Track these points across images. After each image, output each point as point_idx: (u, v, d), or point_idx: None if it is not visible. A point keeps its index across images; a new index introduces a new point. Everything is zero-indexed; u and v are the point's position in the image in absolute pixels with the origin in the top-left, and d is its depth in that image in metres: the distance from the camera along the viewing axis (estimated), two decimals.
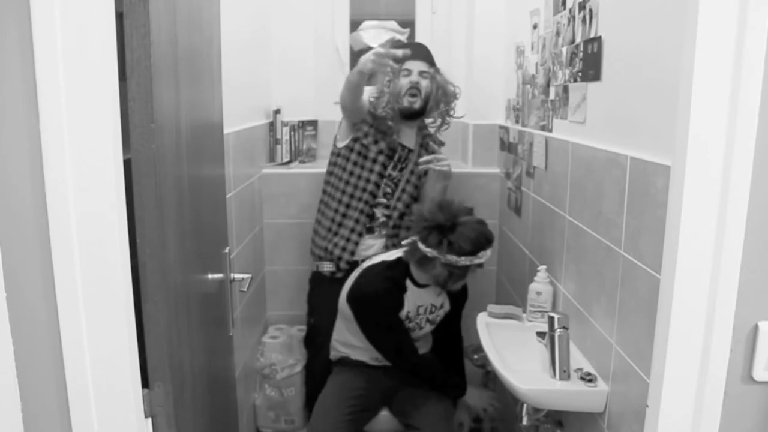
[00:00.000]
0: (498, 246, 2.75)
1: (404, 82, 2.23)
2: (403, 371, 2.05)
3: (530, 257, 2.17)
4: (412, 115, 2.26)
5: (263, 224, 2.72)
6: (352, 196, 2.27)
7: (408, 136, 2.34)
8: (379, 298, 1.93)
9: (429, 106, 2.27)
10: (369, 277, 1.98)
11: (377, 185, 2.28)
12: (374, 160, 2.27)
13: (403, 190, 2.30)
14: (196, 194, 1.27)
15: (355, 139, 2.29)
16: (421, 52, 2.27)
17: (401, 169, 2.32)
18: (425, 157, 2.25)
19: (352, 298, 1.98)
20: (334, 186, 2.32)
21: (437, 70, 2.29)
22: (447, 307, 2.09)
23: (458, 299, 2.11)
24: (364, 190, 2.27)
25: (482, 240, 1.86)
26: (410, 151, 2.33)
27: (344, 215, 2.28)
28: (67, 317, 0.91)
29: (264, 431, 2.59)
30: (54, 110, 0.86)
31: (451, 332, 2.17)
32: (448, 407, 2.07)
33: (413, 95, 2.22)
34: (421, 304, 2.00)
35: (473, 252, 1.83)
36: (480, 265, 1.89)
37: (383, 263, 2.00)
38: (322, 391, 2.07)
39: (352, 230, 2.27)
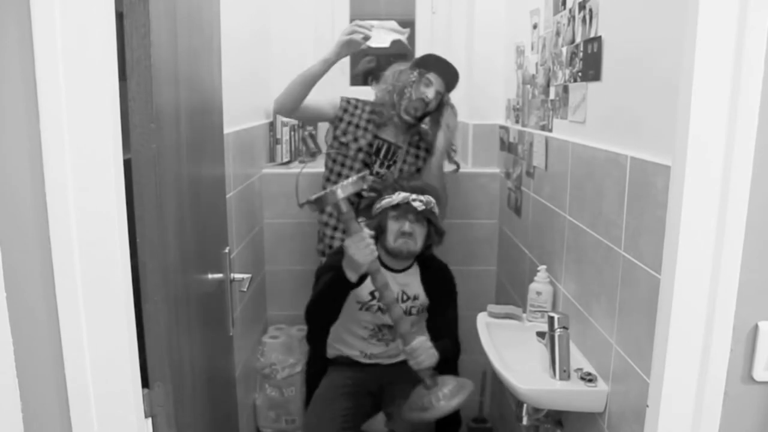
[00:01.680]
0: (498, 246, 2.75)
1: (422, 89, 2.22)
2: (390, 370, 2.07)
3: (530, 257, 2.17)
4: (404, 122, 2.27)
5: (263, 224, 2.72)
6: None
7: (396, 134, 2.32)
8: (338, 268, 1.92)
9: (424, 120, 2.29)
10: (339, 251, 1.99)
11: (359, 196, 2.25)
12: (354, 158, 2.28)
13: (396, 181, 2.29)
14: (196, 194, 1.27)
15: (335, 137, 2.31)
16: (450, 73, 2.26)
17: (389, 167, 2.31)
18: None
19: (318, 269, 2.07)
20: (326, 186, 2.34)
21: (449, 100, 2.29)
22: (424, 299, 2.07)
23: (434, 290, 2.08)
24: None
25: (422, 187, 2.00)
26: (399, 148, 2.32)
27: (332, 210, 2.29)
28: (67, 317, 0.91)
29: (264, 431, 2.59)
30: (54, 110, 0.86)
31: (444, 333, 2.07)
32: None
33: (417, 108, 2.23)
34: (392, 289, 1.99)
35: (411, 192, 1.96)
36: (432, 215, 1.98)
37: None
38: (317, 389, 2.08)
39: None
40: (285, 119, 2.77)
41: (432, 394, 1.71)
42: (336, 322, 2.13)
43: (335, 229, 2.33)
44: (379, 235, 2.00)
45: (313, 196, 1.69)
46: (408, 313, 2.04)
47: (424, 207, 1.96)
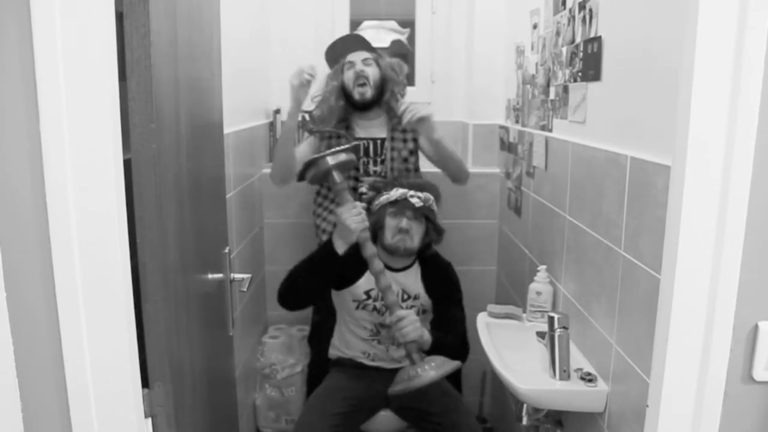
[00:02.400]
0: (498, 246, 2.76)
1: (349, 74, 2.21)
2: (393, 374, 2.05)
3: (530, 257, 2.17)
4: (368, 105, 2.23)
5: (263, 224, 2.72)
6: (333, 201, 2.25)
7: (376, 127, 2.29)
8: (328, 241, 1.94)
9: (385, 91, 2.24)
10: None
11: (355, 190, 2.24)
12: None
13: (395, 179, 2.27)
14: (196, 194, 1.27)
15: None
16: (359, 43, 2.25)
17: (383, 161, 2.27)
18: (402, 112, 2.08)
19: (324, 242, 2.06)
20: (319, 200, 2.35)
21: (380, 55, 2.26)
22: (425, 299, 2.05)
23: (436, 289, 2.06)
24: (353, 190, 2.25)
25: (421, 184, 2.02)
26: (383, 140, 2.28)
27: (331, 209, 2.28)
28: (67, 317, 0.91)
29: (264, 431, 2.59)
30: (54, 110, 0.86)
31: (449, 331, 2.04)
32: (455, 394, 2.07)
33: (362, 84, 2.20)
34: (392, 289, 1.99)
35: (409, 189, 1.98)
36: (430, 212, 1.99)
37: None
38: (315, 390, 2.08)
39: None
40: (285, 119, 2.77)
41: (418, 367, 1.72)
42: (336, 321, 2.14)
43: (330, 212, 2.29)
44: (378, 232, 2.00)
45: (306, 162, 1.76)
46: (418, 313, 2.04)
47: (422, 204, 1.96)
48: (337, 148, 1.82)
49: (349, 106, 2.25)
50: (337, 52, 2.27)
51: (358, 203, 1.84)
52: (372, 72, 2.21)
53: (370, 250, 1.82)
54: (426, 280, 2.06)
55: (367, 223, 1.84)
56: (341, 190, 1.81)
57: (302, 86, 2.05)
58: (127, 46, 0.91)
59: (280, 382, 2.52)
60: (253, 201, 2.50)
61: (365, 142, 2.27)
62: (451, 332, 1.99)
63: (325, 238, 2.32)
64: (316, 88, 2.23)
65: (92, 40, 0.85)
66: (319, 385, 2.09)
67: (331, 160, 1.75)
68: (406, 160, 2.28)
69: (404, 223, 1.96)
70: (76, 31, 0.85)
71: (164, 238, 1.01)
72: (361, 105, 2.23)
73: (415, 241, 1.99)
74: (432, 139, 2.18)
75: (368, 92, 2.21)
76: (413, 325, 1.77)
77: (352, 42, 2.25)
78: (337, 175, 1.78)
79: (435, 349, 1.85)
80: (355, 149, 1.87)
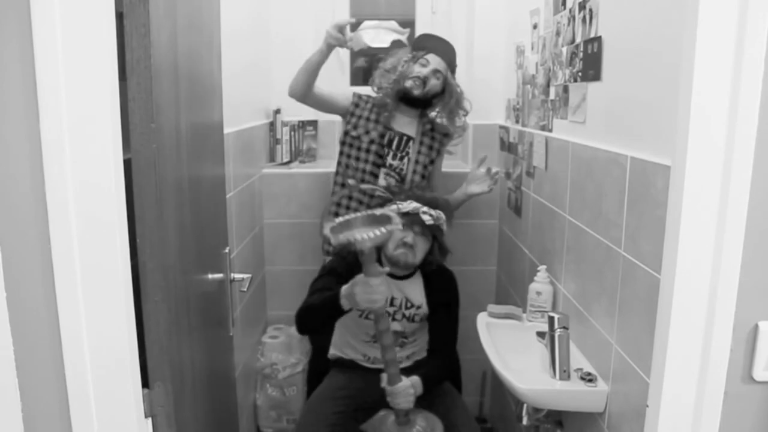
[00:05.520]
0: (498, 246, 2.75)
1: (416, 68, 2.21)
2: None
3: (530, 257, 2.17)
4: (410, 101, 2.24)
5: (263, 224, 2.72)
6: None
7: (408, 125, 2.31)
8: (346, 264, 1.93)
9: (433, 102, 2.27)
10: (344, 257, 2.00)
11: (374, 175, 2.26)
12: (367, 150, 2.27)
13: (412, 181, 2.28)
14: (196, 194, 1.27)
15: (346, 132, 2.31)
16: (448, 52, 2.26)
17: (402, 158, 2.29)
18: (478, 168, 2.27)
19: (321, 269, 2.07)
20: (337, 181, 2.34)
21: (453, 77, 2.27)
22: (426, 308, 2.04)
23: (436, 299, 2.04)
24: (361, 181, 2.26)
25: (435, 201, 1.99)
26: (411, 139, 2.31)
27: (347, 207, 2.27)
28: (67, 317, 0.91)
29: (265, 431, 2.59)
30: (54, 110, 0.86)
31: (438, 345, 2.05)
32: (455, 394, 2.07)
33: (417, 83, 2.21)
34: (395, 296, 2.01)
35: (417, 206, 1.94)
36: (438, 231, 1.97)
37: None
38: (315, 390, 2.08)
39: None
40: (285, 119, 2.78)
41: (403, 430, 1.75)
42: (338, 327, 2.13)
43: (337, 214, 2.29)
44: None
45: (342, 237, 1.53)
46: (411, 320, 2.04)
47: (432, 222, 1.93)
48: (377, 232, 1.52)
49: (395, 92, 2.25)
50: (424, 44, 2.27)
51: (380, 279, 1.61)
52: (433, 83, 2.22)
53: (384, 324, 1.70)
54: (429, 290, 2.05)
55: (381, 302, 1.63)
56: (368, 261, 1.59)
57: (337, 41, 2.08)
58: (127, 46, 0.91)
59: (282, 382, 2.52)
60: (253, 201, 2.50)
61: (390, 133, 2.29)
62: (442, 348, 2.03)
63: (323, 251, 2.33)
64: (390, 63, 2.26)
65: (92, 40, 0.85)
66: (319, 385, 2.09)
67: (368, 243, 1.51)
68: (425, 167, 2.31)
69: (410, 238, 1.92)
70: (76, 31, 0.85)
71: (164, 238, 1.01)
72: (405, 97, 2.24)
73: (417, 257, 1.96)
74: (470, 195, 2.28)
75: (417, 90, 2.22)
76: (406, 399, 1.77)
77: (442, 46, 2.25)
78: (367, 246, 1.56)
79: (425, 387, 1.88)
80: (391, 232, 1.59)
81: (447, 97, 2.26)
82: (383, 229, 1.52)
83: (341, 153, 2.33)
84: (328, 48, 2.11)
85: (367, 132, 2.27)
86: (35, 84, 0.85)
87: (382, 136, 2.27)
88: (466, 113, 2.34)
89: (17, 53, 0.84)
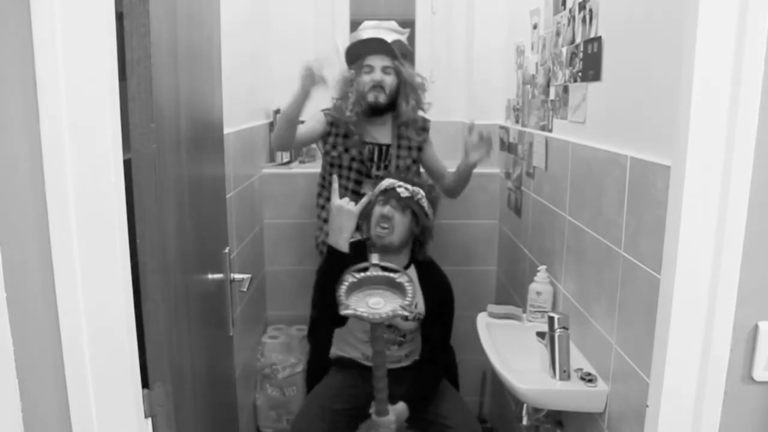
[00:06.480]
0: (498, 246, 2.75)
1: (366, 79, 2.20)
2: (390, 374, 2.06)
3: (530, 257, 2.17)
4: (381, 111, 2.23)
5: (263, 224, 2.72)
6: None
7: (383, 132, 2.31)
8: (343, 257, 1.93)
9: (398, 101, 2.24)
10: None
11: (358, 183, 2.27)
12: (349, 168, 2.27)
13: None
14: (196, 194, 1.27)
15: (326, 153, 2.31)
16: (382, 47, 2.22)
17: (386, 167, 2.30)
18: (471, 128, 2.23)
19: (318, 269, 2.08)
20: (323, 194, 2.36)
21: (402, 63, 2.24)
22: (422, 307, 2.04)
23: (432, 302, 2.04)
24: (346, 189, 2.26)
25: (412, 181, 2.03)
26: (389, 146, 2.31)
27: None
28: (68, 317, 0.91)
29: (265, 431, 2.59)
30: (54, 110, 0.85)
31: (428, 352, 2.07)
32: (454, 394, 2.07)
33: (377, 91, 2.20)
34: None
35: (393, 181, 1.99)
36: (416, 205, 1.97)
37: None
38: (315, 387, 2.08)
39: None
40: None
41: None
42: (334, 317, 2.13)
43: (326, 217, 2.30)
44: (365, 224, 2.02)
45: (350, 312, 1.70)
46: (407, 319, 2.03)
47: (408, 194, 1.96)
48: (386, 275, 1.77)
49: (359, 108, 2.23)
50: (357, 52, 2.25)
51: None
52: (389, 81, 2.21)
53: (380, 345, 1.79)
54: (425, 289, 2.05)
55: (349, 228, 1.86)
56: (379, 352, 1.79)
57: (312, 81, 2.02)
58: (127, 46, 0.91)
59: (281, 382, 2.52)
60: (253, 201, 2.50)
61: (369, 146, 2.29)
62: (431, 354, 2.04)
63: (321, 238, 2.34)
64: (335, 89, 2.25)
65: (92, 39, 0.85)
66: (317, 385, 2.09)
67: (384, 318, 1.69)
68: (408, 168, 2.31)
69: (386, 210, 1.94)
70: (76, 31, 0.85)
71: (164, 238, 1.01)
72: (375, 109, 2.23)
73: (395, 234, 1.96)
74: (472, 164, 2.22)
75: (382, 97, 2.21)
76: (388, 430, 1.84)
77: (374, 44, 2.22)
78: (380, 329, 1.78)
79: (412, 410, 1.91)
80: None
81: (402, 86, 2.24)
82: (389, 312, 1.68)
83: (323, 167, 2.35)
84: (304, 92, 2.04)
85: (347, 150, 2.27)
86: (35, 84, 0.85)
87: (360, 152, 2.27)
88: (425, 89, 2.30)
89: (17, 53, 0.84)
